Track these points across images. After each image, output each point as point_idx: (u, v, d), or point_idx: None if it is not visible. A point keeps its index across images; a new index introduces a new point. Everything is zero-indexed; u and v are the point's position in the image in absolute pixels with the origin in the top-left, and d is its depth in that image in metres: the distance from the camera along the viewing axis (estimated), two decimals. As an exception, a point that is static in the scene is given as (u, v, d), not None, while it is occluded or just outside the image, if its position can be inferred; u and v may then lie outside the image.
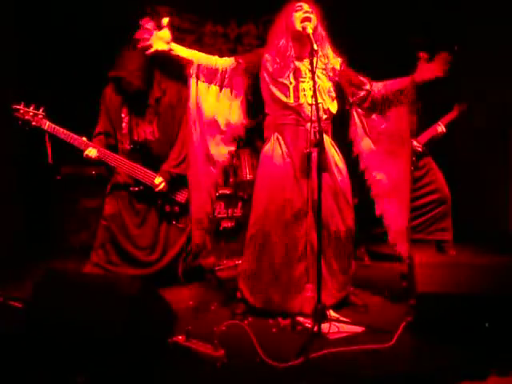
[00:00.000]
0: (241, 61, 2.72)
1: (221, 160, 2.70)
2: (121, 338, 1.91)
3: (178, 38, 4.84)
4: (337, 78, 2.74)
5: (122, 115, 3.19)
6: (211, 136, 2.67)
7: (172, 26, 4.30)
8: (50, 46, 4.38)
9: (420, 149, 3.91)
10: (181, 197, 3.29)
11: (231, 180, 4.19)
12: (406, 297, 2.64)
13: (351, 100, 2.79)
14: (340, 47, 2.79)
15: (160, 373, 1.99)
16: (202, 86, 2.64)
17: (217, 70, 2.66)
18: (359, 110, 2.81)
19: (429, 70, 2.69)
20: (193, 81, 2.63)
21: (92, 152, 3.09)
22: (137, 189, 3.23)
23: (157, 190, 3.21)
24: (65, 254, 4.44)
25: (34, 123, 3.02)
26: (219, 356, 2.02)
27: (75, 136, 3.09)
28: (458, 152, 4.91)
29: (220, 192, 4.03)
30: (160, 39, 2.50)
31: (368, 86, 2.76)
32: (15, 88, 3.46)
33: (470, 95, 4.36)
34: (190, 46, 2.70)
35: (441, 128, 3.97)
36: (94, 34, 4.36)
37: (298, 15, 2.60)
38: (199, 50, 2.73)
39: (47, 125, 3.03)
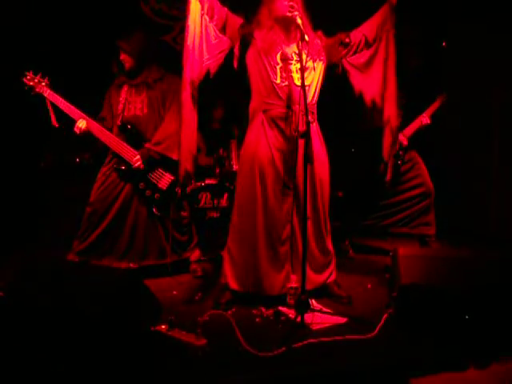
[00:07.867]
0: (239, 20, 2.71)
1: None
2: (103, 328, 1.90)
3: (166, 26, 4.84)
4: (322, 57, 2.77)
5: (120, 99, 3.35)
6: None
7: (162, 13, 4.26)
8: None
9: (406, 142, 3.93)
10: (162, 183, 3.28)
11: (217, 171, 4.17)
12: (389, 289, 2.66)
13: (340, 56, 2.88)
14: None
15: (142, 362, 1.98)
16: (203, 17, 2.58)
17: (219, 6, 2.62)
18: (350, 58, 2.90)
19: None
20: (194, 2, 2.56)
21: (82, 123, 3.23)
22: (123, 167, 3.25)
23: (134, 166, 3.23)
24: (47, 242, 4.39)
25: (37, 89, 3.21)
26: (201, 345, 2.03)
27: (72, 107, 3.24)
28: (442, 149, 4.94)
29: (206, 182, 4.03)
30: None
31: (348, 39, 2.86)
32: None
33: (449, 85, 4.40)
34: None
35: (425, 119, 4.00)
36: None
37: (282, 3, 2.61)
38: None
39: (48, 92, 3.21)
